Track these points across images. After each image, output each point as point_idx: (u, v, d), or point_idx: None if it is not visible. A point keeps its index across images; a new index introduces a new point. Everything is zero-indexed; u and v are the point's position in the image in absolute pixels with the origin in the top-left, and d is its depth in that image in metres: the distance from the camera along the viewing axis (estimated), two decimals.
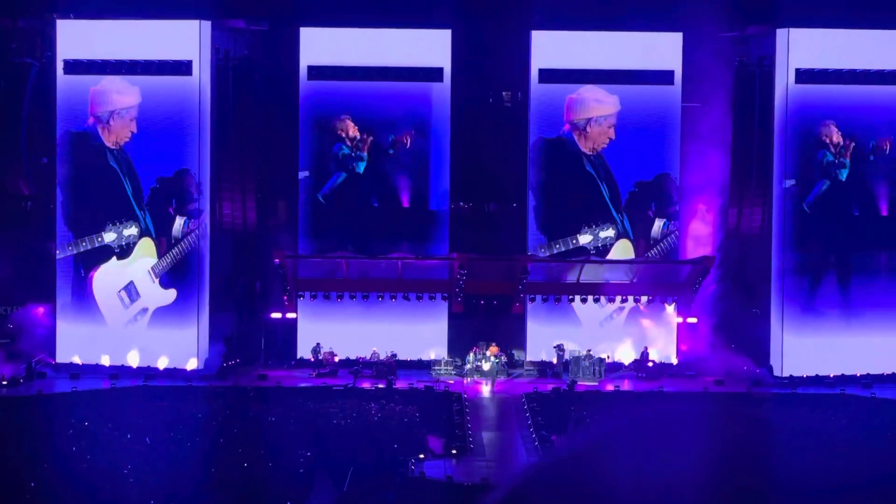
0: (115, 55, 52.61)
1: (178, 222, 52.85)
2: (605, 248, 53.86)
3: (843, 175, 53.15)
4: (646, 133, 53.79)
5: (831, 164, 53.03)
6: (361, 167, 54.14)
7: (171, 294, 52.86)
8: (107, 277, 53.12)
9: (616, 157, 53.97)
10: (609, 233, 53.90)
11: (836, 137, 52.92)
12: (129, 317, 52.88)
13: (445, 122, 53.95)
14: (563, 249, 53.88)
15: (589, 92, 53.60)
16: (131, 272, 53.11)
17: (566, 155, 53.84)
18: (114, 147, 52.82)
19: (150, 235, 52.90)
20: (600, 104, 53.69)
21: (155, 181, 53.06)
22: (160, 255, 52.95)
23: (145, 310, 52.92)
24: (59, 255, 52.77)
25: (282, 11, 53.96)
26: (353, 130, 53.84)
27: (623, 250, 53.72)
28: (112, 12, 52.59)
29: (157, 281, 52.86)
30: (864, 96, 52.80)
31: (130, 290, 53.01)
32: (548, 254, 53.68)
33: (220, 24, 53.42)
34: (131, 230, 52.94)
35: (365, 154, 53.97)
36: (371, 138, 53.87)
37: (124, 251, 53.07)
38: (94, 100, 52.72)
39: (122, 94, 52.68)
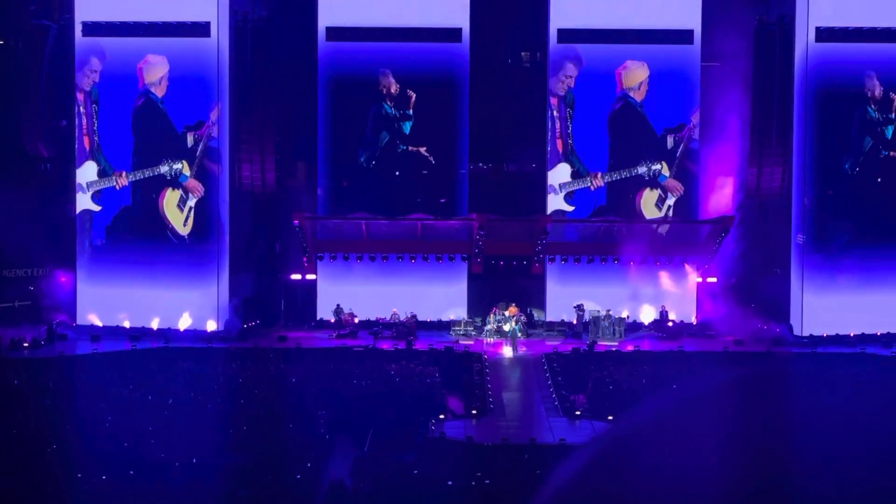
0: (132, 17, 52.53)
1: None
2: (655, 176, 53.61)
3: (889, 132, 52.91)
4: (666, 92, 53.57)
5: (875, 120, 52.72)
6: (408, 127, 54.02)
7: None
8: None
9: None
10: (657, 167, 53.64)
11: (879, 93, 52.62)
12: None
13: (464, 82, 53.74)
14: (624, 177, 53.59)
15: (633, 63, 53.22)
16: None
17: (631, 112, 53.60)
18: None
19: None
20: (641, 70, 53.28)
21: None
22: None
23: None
24: (125, 180, 52.67)
25: None
26: (394, 89, 53.67)
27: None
28: None
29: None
30: (886, 54, 52.40)
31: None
32: (609, 180, 53.45)
33: None
34: (178, 165, 52.76)
35: (411, 112, 53.84)
36: (415, 95, 53.63)
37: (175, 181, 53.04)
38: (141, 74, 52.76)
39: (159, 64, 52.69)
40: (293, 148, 56.24)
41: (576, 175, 53.84)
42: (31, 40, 53.89)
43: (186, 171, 52.86)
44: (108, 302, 52.67)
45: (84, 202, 53.54)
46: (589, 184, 53.81)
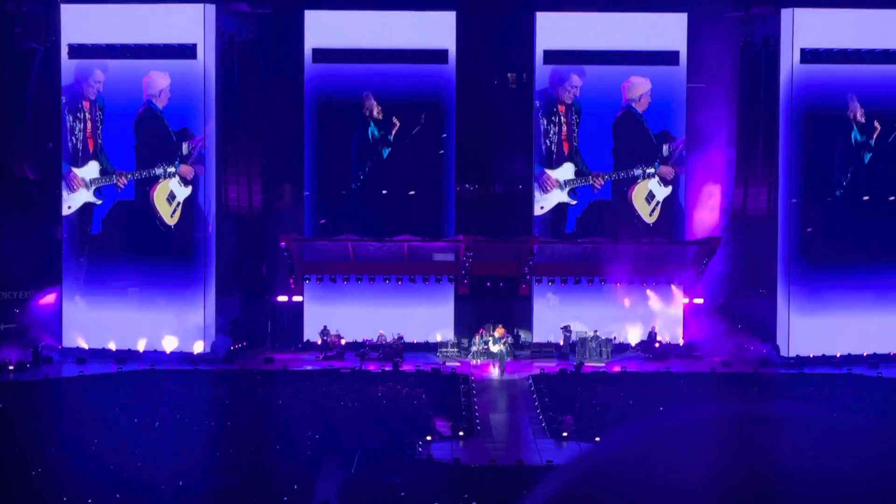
0: (119, 39, 52.56)
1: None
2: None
3: (867, 158, 53.09)
4: (656, 110, 53.79)
5: (861, 144, 52.96)
6: (386, 153, 54.13)
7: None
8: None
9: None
10: (651, 170, 53.83)
11: (860, 115, 52.82)
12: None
13: (451, 104, 53.82)
14: (622, 177, 53.82)
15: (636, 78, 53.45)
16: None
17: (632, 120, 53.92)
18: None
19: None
20: (643, 84, 53.50)
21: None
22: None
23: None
24: (125, 179, 52.84)
25: None
26: (377, 111, 53.79)
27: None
28: None
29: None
30: (870, 75, 52.59)
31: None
32: (609, 180, 53.62)
33: (224, 7, 53.30)
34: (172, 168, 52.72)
35: (392, 139, 53.94)
36: (399, 124, 53.77)
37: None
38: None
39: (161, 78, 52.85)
40: (280, 170, 56.20)
41: (579, 174, 53.90)
42: (17, 63, 53.82)
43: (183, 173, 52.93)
44: (95, 324, 52.54)
45: (86, 196, 53.28)
46: (591, 182, 53.87)
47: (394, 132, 53.83)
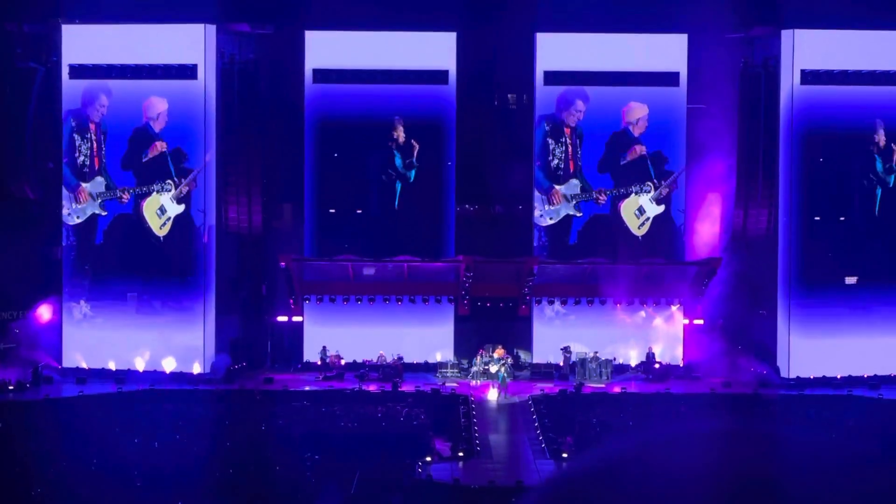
0: (120, 60, 52.74)
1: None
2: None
3: (892, 180, 53.28)
4: (656, 130, 54.00)
5: (861, 163, 53.17)
6: (413, 175, 54.29)
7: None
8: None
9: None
10: (647, 187, 54.13)
11: (882, 140, 53.05)
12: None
13: (451, 124, 53.98)
14: (621, 193, 54.16)
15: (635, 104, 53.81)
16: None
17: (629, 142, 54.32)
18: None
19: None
20: (640, 109, 53.75)
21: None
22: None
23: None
24: (128, 195, 53.19)
25: (287, 15, 54.00)
26: (402, 136, 54.04)
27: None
28: (117, 17, 52.58)
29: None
30: (870, 97, 52.73)
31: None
32: (609, 196, 53.97)
33: (224, 27, 53.50)
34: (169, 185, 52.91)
35: (415, 161, 54.13)
36: (418, 146, 53.97)
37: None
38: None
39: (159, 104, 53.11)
40: (280, 189, 56.36)
41: (583, 190, 54.01)
42: (17, 83, 53.94)
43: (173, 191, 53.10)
44: (94, 344, 52.57)
45: (93, 207, 53.32)
46: (595, 198, 54.00)
47: (399, 148, 54.00)
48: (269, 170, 55.54)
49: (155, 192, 53.12)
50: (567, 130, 54.12)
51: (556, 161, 54.15)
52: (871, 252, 53.18)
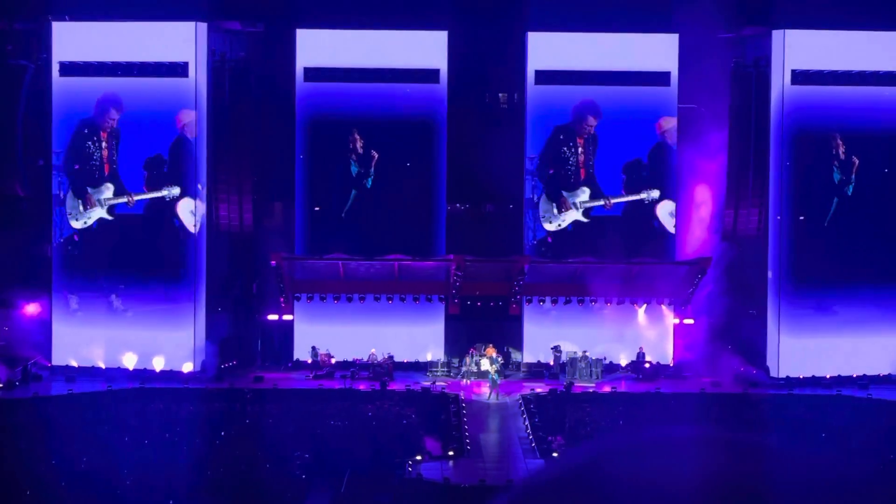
0: (110, 57, 52.68)
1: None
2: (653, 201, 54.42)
3: (850, 190, 53.30)
4: (639, 133, 53.97)
5: (842, 181, 53.23)
6: (369, 182, 54.30)
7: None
8: None
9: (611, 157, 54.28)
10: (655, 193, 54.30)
11: (842, 152, 53.10)
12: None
13: (442, 123, 54.01)
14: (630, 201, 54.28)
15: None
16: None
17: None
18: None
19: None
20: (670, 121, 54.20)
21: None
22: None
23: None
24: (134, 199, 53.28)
25: (278, 13, 54.04)
26: (360, 145, 53.97)
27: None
28: (108, 14, 52.61)
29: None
30: (860, 98, 52.83)
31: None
32: (617, 202, 54.18)
33: (215, 25, 53.48)
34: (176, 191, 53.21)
35: (372, 170, 54.09)
36: (377, 156, 53.97)
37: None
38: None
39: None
40: (271, 188, 56.35)
41: (593, 196, 54.06)
42: (8, 80, 53.93)
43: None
44: (84, 341, 52.52)
45: (99, 213, 53.17)
46: (604, 203, 54.04)
47: (388, 146, 54.05)
48: (259, 168, 55.57)
49: (174, 194, 53.03)
50: (580, 141, 54.12)
51: (568, 169, 54.25)
52: (862, 252, 53.20)
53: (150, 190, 53.24)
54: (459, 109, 54.75)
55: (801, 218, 53.33)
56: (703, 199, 54.57)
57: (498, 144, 54.43)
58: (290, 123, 54.23)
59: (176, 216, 53.07)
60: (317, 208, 54.54)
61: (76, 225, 53.33)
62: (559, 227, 54.30)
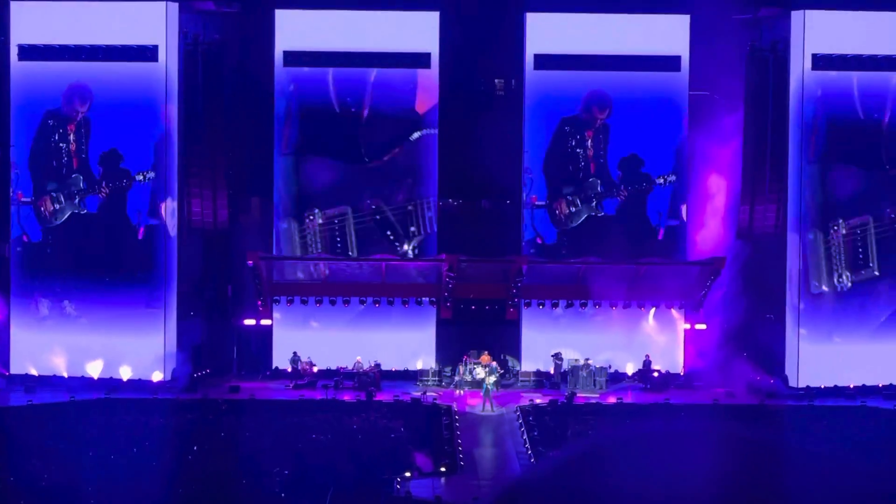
0: (74, 40, 52.58)
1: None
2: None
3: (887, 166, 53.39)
4: (650, 122, 54.11)
5: (875, 153, 53.24)
6: (369, 159, 54.48)
7: None
8: None
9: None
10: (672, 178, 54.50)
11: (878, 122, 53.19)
12: None
13: (433, 111, 54.07)
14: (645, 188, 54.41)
15: None
16: None
17: None
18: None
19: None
20: None
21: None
22: None
23: None
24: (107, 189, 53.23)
25: None
26: (343, 135, 54.16)
27: None
28: None
29: None
30: (887, 84, 52.85)
31: None
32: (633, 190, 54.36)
33: (187, 5, 53.35)
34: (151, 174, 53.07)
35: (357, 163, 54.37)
36: (363, 146, 54.14)
37: None
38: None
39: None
40: (247, 182, 56.34)
41: (606, 188, 54.25)
42: None
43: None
44: (45, 348, 52.48)
45: (72, 207, 53.10)
46: (617, 195, 54.22)
47: (372, 135, 54.11)
48: (236, 160, 55.56)
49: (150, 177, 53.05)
50: (589, 133, 54.26)
51: (577, 164, 54.48)
52: (888, 252, 53.26)
53: (123, 179, 53.23)
54: (452, 96, 54.77)
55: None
56: (716, 194, 54.62)
57: (494, 135, 54.36)
58: (269, 111, 54.21)
59: (149, 212, 52.93)
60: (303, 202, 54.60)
61: (50, 224, 53.28)
62: (572, 225, 54.29)
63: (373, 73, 54.04)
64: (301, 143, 54.46)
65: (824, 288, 53.21)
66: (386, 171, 54.59)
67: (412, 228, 54.58)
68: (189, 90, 53.46)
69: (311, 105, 54.21)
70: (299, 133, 54.41)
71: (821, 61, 52.50)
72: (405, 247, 54.15)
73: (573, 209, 54.18)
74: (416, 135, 54.33)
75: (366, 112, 54.17)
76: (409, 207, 54.63)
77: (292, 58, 53.83)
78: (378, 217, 54.60)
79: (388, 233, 54.53)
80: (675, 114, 54.17)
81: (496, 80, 57.35)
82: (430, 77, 54.20)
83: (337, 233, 54.53)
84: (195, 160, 53.83)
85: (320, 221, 54.51)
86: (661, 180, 54.17)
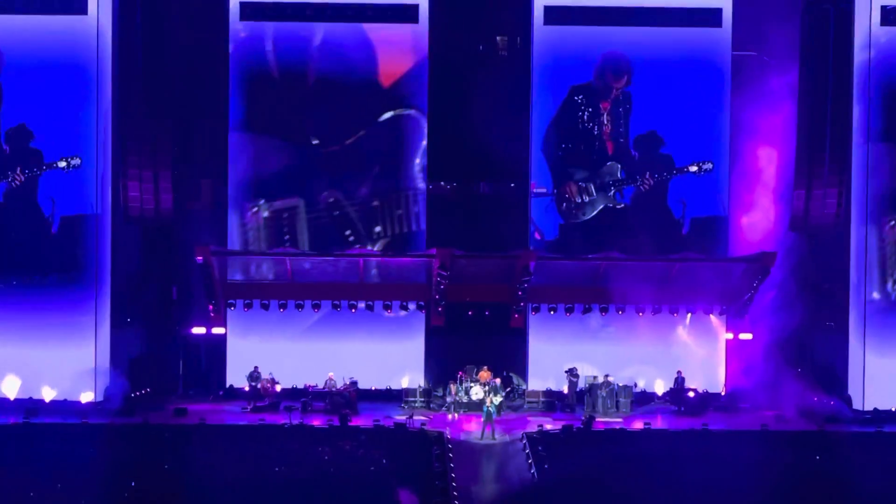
0: None
1: None
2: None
3: None
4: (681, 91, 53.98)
5: None
6: (344, 132, 54.63)
7: None
8: None
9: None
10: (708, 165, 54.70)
11: None
12: None
13: (422, 75, 53.94)
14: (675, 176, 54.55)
15: None
16: None
17: None
18: None
19: None
20: None
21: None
22: None
23: None
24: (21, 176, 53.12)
25: None
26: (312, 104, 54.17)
27: None
28: None
29: None
30: None
31: None
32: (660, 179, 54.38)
33: None
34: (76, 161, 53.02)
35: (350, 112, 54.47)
36: (337, 118, 54.21)
37: None
38: None
39: None
40: (197, 161, 56.10)
41: (627, 173, 54.30)
42: None
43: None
44: None
45: None
46: (640, 184, 54.21)
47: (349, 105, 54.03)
48: (182, 136, 55.22)
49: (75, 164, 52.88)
50: (605, 105, 54.01)
51: (590, 143, 54.42)
52: None
53: (44, 163, 52.95)
54: (444, 57, 54.76)
55: None
56: (764, 178, 54.45)
57: (495, 104, 54.22)
58: (223, 76, 54.24)
59: (71, 200, 52.75)
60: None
61: None
62: (584, 218, 54.18)
63: (319, 33, 53.87)
64: (245, 118, 54.29)
65: (875, 295, 53.15)
66: (347, 158, 54.32)
67: (377, 228, 54.44)
68: (125, 50, 53.10)
69: (252, 70, 54.06)
70: (243, 104, 54.29)
71: (892, 15, 52.33)
72: (369, 249, 53.99)
73: (586, 198, 54.01)
74: (387, 115, 54.11)
75: (311, 81, 53.96)
76: (375, 203, 54.47)
77: (251, 10, 53.78)
78: (336, 213, 54.44)
79: (348, 232, 54.49)
80: (713, 80, 54.17)
81: (498, 38, 57.15)
82: (394, 40, 54.04)
83: (286, 229, 54.53)
84: (132, 135, 53.39)
85: (265, 215, 54.47)
86: (696, 168, 54.04)
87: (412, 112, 54.31)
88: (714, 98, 54.05)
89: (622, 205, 54.26)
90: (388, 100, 54.37)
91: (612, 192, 54.08)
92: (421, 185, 54.63)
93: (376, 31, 53.99)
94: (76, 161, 52.69)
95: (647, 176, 54.05)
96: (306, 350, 53.69)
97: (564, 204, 54.35)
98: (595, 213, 54.34)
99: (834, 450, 46.73)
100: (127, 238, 54.26)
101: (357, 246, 53.90)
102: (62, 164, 52.82)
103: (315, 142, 54.23)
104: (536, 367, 54.35)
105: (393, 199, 54.46)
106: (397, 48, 54.30)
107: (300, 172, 54.33)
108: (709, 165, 54.05)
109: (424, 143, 54.38)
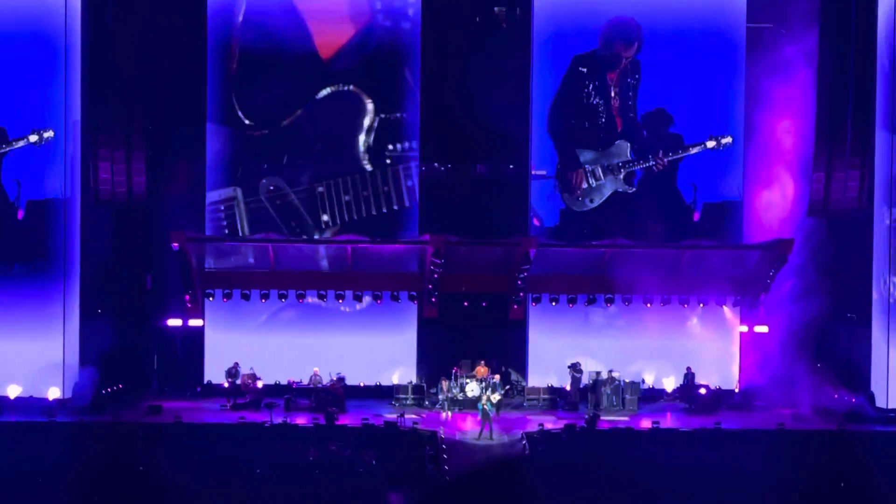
0: None
1: None
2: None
3: None
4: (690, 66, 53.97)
5: None
6: (331, 111, 54.80)
7: None
8: None
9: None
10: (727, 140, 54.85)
11: None
12: None
13: (414, 48, 53.99)
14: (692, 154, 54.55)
15: None
16: None
17: None
18: None
19: None
20: None
21: None
22: None
23: None
24: None
25: None
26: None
27: None
28: None
29: None
30: None
31: None
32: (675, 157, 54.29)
33: None
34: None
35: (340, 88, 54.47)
36: (321, 95, 54.19)
37: None
38: None
39: None
40: (172, 141, 55.95)
41: (638, 152, 54.31)
42: None
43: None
44: None
45: None
46: (653, 165, 54.06)
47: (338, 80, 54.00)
48: (156, 114, 55.09)
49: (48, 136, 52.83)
50: (612, 76, 53.97)
51: (596, 119, 54.39)
52: None
53: (9, 140, 52.92)
54: (438, 30, 54.70)
55: None
56: (782, 159, 54.39)
57: (493, 80, 54.19)
58: (200, 51, 54.26)
59: (37, 182, 52.72)
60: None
61: None
62: (592, 205, 54.14)
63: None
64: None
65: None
66: (285, 141, 54.32)
67: (325, 217, 54.30)
68: (96, 21, 52.94)
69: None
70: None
71: None
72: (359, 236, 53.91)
73: (594, 182, 53.95)
74: (324, 92, 54.05)
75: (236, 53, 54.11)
76: (320, 189, 54.33)
77: None
78: (278, 202, 54.35)
79: (293, 223, 54.34)
80: (726, 53, 54.29)
81: (496, 8, 57.04)
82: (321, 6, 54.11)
83: (224, 221, 54.31)
84: (103, 113, 53.27)
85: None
86: (713, 143, 53.99)
87: (350, 87, 54.19)
88: (728, 71, 54.04)
89: (633, 189, 54.18)
90: (328, 74, 54.31)
91: (622, 174, 53.97)
92: (368, 167, 54.49)
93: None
94: (49, 133, 52.57)
95: (660, 155, 53.94)
96: (290, 343, 53.80)
97: (569, 192, 54.24)
98: (604, 200, 54.26)
99: (855, 451, 46.70)
100: (97, 223, 54.17)
101: (304, 237, 53.82)
102: (33, 137, 52.70)
103: (248, 122, 54.15)
104: (537, 362, 54.43)
105: (340, 183, 54.34)
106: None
107: (237, 158, 54.28)
108: (728, 139, 53.99)
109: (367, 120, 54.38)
